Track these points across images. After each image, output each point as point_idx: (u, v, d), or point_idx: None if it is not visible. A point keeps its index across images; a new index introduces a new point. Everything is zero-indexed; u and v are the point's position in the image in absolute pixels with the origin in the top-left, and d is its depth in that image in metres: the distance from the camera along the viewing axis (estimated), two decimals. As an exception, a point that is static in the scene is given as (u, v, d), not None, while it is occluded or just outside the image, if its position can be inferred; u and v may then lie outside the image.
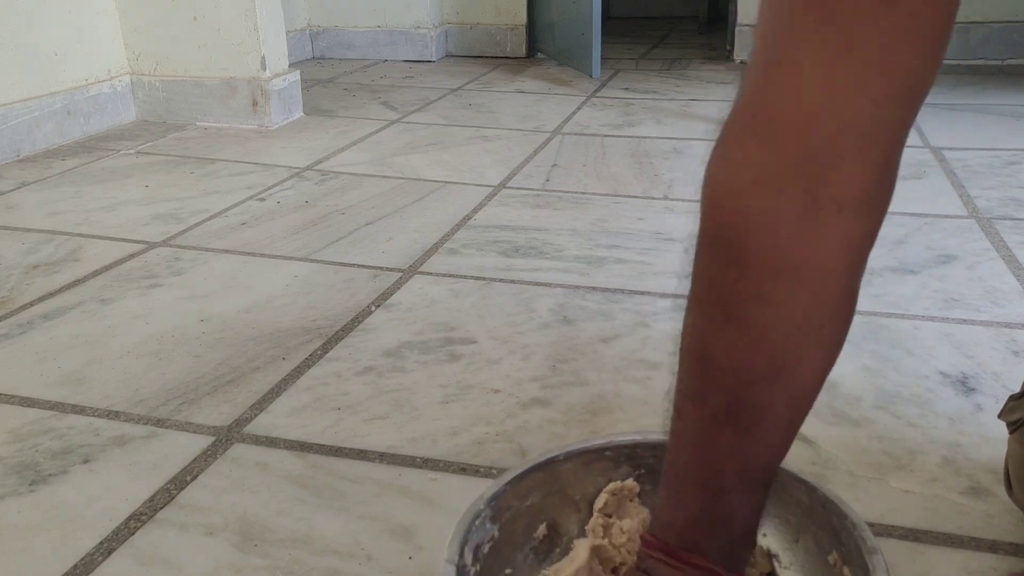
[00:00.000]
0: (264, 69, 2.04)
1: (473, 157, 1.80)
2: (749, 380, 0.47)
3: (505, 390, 0.92)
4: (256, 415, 0.88)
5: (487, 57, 3.04)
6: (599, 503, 0.60)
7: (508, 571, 0.57)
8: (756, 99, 0.45)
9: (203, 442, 0.83)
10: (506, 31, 3.02)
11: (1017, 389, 0.70)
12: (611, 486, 0.60)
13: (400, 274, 1.22)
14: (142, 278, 1.22)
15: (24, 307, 1.13)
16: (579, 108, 2.24)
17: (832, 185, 0.43)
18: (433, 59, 2.98)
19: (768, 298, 0.45)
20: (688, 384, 0.50)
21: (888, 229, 1.32)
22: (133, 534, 0.71)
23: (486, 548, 0.55)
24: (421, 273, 1.22)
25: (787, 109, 0.43)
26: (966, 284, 1.15)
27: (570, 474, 0.61)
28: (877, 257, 1.24)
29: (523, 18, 2.99)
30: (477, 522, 0.55)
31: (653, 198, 1.53)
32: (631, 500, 0.60)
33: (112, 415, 0.88)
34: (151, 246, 1.34)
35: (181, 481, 0.77)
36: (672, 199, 1.52)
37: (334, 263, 1.26)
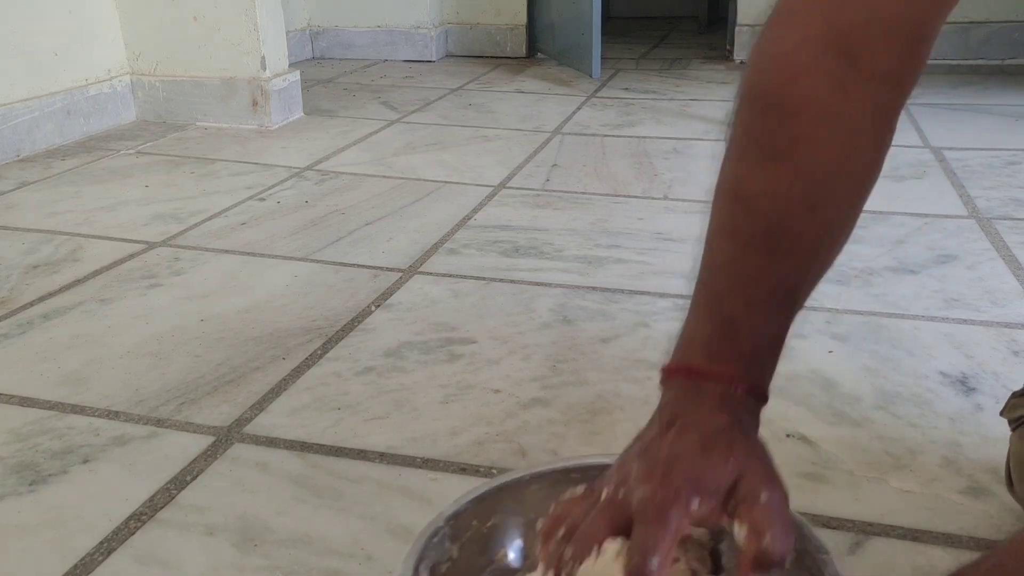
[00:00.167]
0: (264, 69, 2.04)
1: (473, 157, 1.80)
2: (785, 210, 0.51)
3: (505, 390, 0.92)
4: (256, 415, 0.88)
5: (487, 57, 3.04)
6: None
7: None
8: None
9: (203, 442, 0.83)
10: (506, 31, 3.02)
11: (1018, 387, 0.70)
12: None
13: (400, 274, 1.22)
14: (142, 278, 1.22)
15: (24, 307, 1.13)
16: (579, 108, 2.24)
17: (861, 58, 0.49)
18: (433, 59, 2.98)
19: (806, 139, 0.50)
20: (721, 222, 0.53)
21: (888, 229, 1.33)
22: (133, 534, 0.71)
23: (443, 568, 0.54)
24: (421, 273, 1.22)
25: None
26: (966, 284, 1.15)
27: (534, 496, 0.58)
28: (877, 257, 1.24)
29: (523, 18, 2.99)
30: (435, 540, 0.53)
31: (653, 198, 1.53)
32: None
33: (112, 415, 0.88)
34: (151, 246, 1.34)
35: (181, 481, 0.77)
36: (672, 199, 1.52)
37: (334, 263, 1.26)
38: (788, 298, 0.52)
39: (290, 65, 2.18)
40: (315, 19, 3.09)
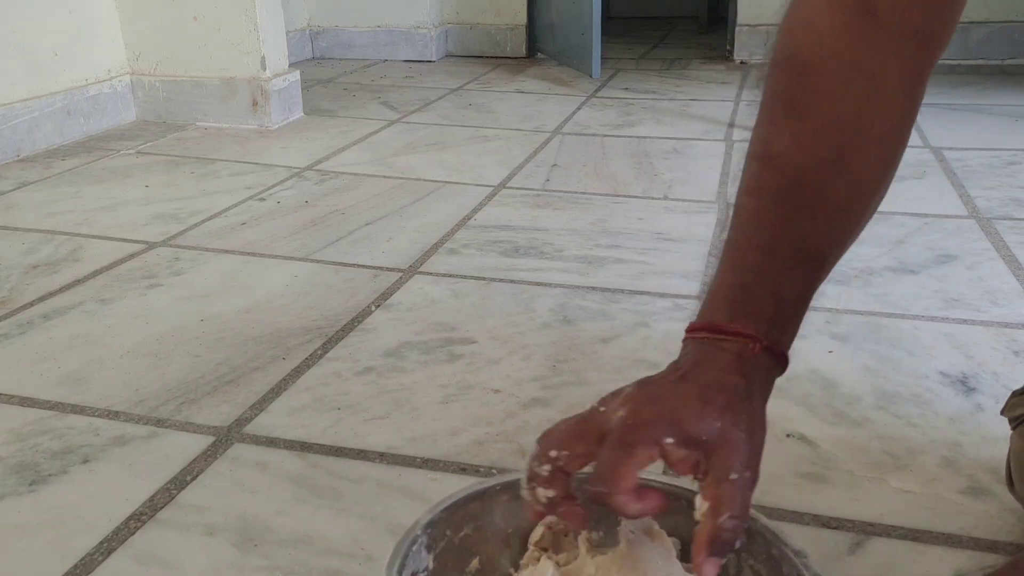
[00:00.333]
0: (264, 69, 2.04)
1: (473, 157, 1.80)
2: (809, 166, 0.51)
3: (505, 390, 0.92)
4: (256, 415, 0.88)
5: (487, 57, 3.04)
6: (535, 536, 0.58)
7: None
8: None
9: (203, 442, 0.83)
10: (506, 31, 3.02)
11: (1018, 386, 0.70)
12: (548, 520, 0.58)
13: (400, 274, 1.22)
14: (142, 278, 1.22)
15: (24, 307, 1.13)
16: (579, 108, 2.24)
17: (891, 16, 0.50)
18: (433, 59, 2.98)
19: (828, 93, 0.50)
20: (748, 182, 0.53)
21: (888, 229, 1.33)
22: (133, 534, 0.71)
23: None
24: (421, 273, 1.22)
25: None
26: (966, 284, 1.15)
27: (505, 505, 0.58)
28: (877, 257, 1.24)
29: (523, 18, 2.99)
30: (414, 548, 0.53)
31: (653, 198, 1.53)
32: (566, 535, 0.58)
33: (112, 415, 0.88)
34: (151, 246, 1.34)
35: (181, 481, 0.77)
36: (672, 199, 1.52)
37: (334, 263, 1.26)
38: (813, 256, 0.51)
39: (290, 65, 2.18)
40: (315, 19, 3.09)
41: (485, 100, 2.36)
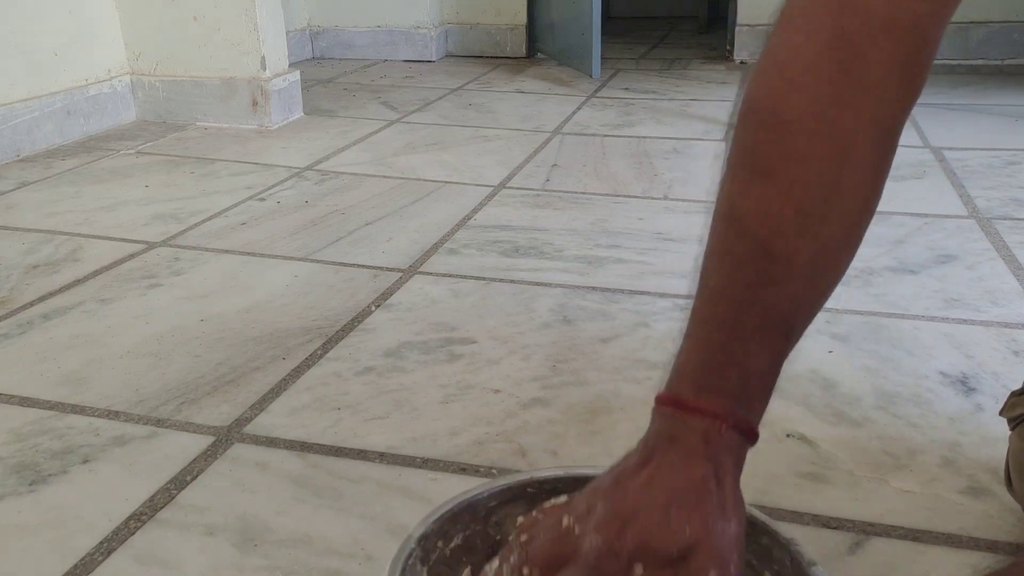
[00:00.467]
0: (264, 69, 2.04)
1: (473, 157, 1.80)
2: (776, 231, 0.49)
3: (505, 390, 0.92)
4: (256, 415, 0.88)
5: (487, 57, 3.04)
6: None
7: None
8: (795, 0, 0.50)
9: (203, 442, 0.83)
10: (506, 31, 3.02)
11: (1017, 387, 0.70)
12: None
13: (400, 274, 1.22)
14: (142, 278, 1.22)
15: (24, 307, 1.13)
16: (579, 108, 2.24)
17: (865, 65, 0.47)
18: (433, 59, 2.98)
19: (799, 154, 0.48)
20: (715, 244, 0.52)
21: (888, 229, 1.33)
22: (133, 534, 0.71)
23: None
24: (421, 273, 1.22)
25: (818, 3, 0.48)
26: (966, 284, 1.15)
27: (495, 514, 0.59)
28: (877, 257, 1.24)
29: (523, 18, 2.99)
30: (410, 561, 0.54)
31: (653, 198, 1.53)
32: None
33: (112, 415, 0.88)
34: (151, 246, 1.34)
35: (181, 481, 0.77)
36: (672, 199, 1.52)
37: (334, 263, 1.26)
38: (780, 326, 0.50)
39: (290, 65, 2.18)
40: (315, 19, 3.09)
41: (485, 100, 2.36)
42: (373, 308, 1.11)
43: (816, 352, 0.98)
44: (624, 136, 1.96)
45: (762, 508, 0.66)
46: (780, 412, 0.86)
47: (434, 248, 1.31)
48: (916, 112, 2.23)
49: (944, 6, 0.49)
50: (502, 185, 1.61)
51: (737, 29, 2.86)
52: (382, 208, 1.49)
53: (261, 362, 0.98)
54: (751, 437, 0.50)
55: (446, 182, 1.64)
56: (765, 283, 0.49)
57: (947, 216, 1.41)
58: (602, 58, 2.61)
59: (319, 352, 1.00)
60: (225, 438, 0.84)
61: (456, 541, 0.58)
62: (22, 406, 0.90)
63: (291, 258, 1.28)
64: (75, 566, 0.67)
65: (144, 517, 0.73)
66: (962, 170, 1.64)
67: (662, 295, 1.14)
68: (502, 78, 2.67)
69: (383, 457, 0.81)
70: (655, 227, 1.39)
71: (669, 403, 0.50)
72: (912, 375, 0.93)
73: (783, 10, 0.51)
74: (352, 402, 0.90)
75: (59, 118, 1.91)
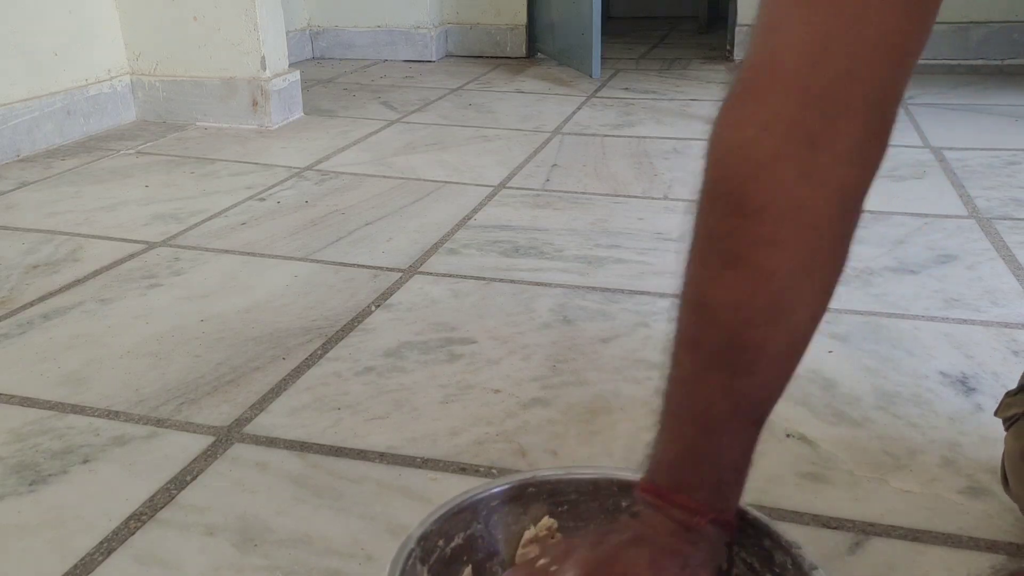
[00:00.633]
0: (264, 69, 2.04)
1: (473, 157, 1.80)
2: (747, 321, 0.48)
3: (505, 390, 0.92)
4: (256, 415, 0.88)
5: (487, 57, 3.04)
6: (526, 537, 0.59)
7: None
8: (756, 60, 0.48)
9: (203, 442, 0.83)
10: (506, 31, 3.02)
11: (1012, 388, 0.70)
12: (527, 535, 0.59)
13: (400, 274, 1.22)
14: (142, 278, 1.22)
15: (24, 307, 1.13)
16: (579, 108, 2.24)
17: (828, 135, 0.46)
18: (433, 59, 2.98)
19: (769, 242, 0.47)
20: (684, 331, 0.51)
21: (888, 229, 1.33)
22: (133, 534, 0.71)
23: None
24: (421, 273, 1.22)
25: (783, 68, 0.46)
26: (966, 284, 1.15)
27: (495, 513, 0.60)
28: (877, 257, 1.24)
29: (523, 18, 2.99)
30: (410, 562, 0.54)
31: (653, 198, 1.53)
32: (552, 538, 0.59)
33: (112, 415, 0.88)
34: (151, 246, 1.34)
35: (181, 481, 0.77)
36: (672, 199, 1.52)
37: (334, 263, 1.26)
38: (752, 416, 0.51)
39: (290, 65, 2.18)
40: (315, 19, 3.09)
41: (485, 100, 2.36)
42: (373, 308, 1.11)
43: (816, 352, 0.98)
44: (624, 136, 1.96)
45: (762, 508, 0.66)
46: (780, 412, 0.85)
47: (434, 248, 1.31)
48: (916, 112, 2.24)
49: (903, 71, 0.47)
50: (502, 185, 1.61)
51: (737, 29, 2.86)
52: (382, 208, 1.49)
53: (261, 362, 0.98)
54: (727, 528, 0.52)
55: (446, 182, 1.64)
56: (736, 374, 0.49)
57: (947, 216, 1.41)
58: (602, 58, 2.61)
59: (319, 352, 1.00)
60: (225, 438, 0.84)
61: (457, 540, 0.58)
62: (22, 406, 0.90)
63: (291, 258, 1.28)
64: (75, 566, 0.67)
65: (144, 517, 0.73)
66: (962, 170, 1.64)
67: (662, 295, 1.14)
68: (502, 78, 2.67)
69: (383, 457, 0.81)
70: (655, 227, 1.39)
71: (650, 491, 0.52)
72: (912, 375, 0.93)
73: (741, 73, 0.48)
74: (352, 402, 0.90)
75: (59, 118, 1.91)
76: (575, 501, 0.60)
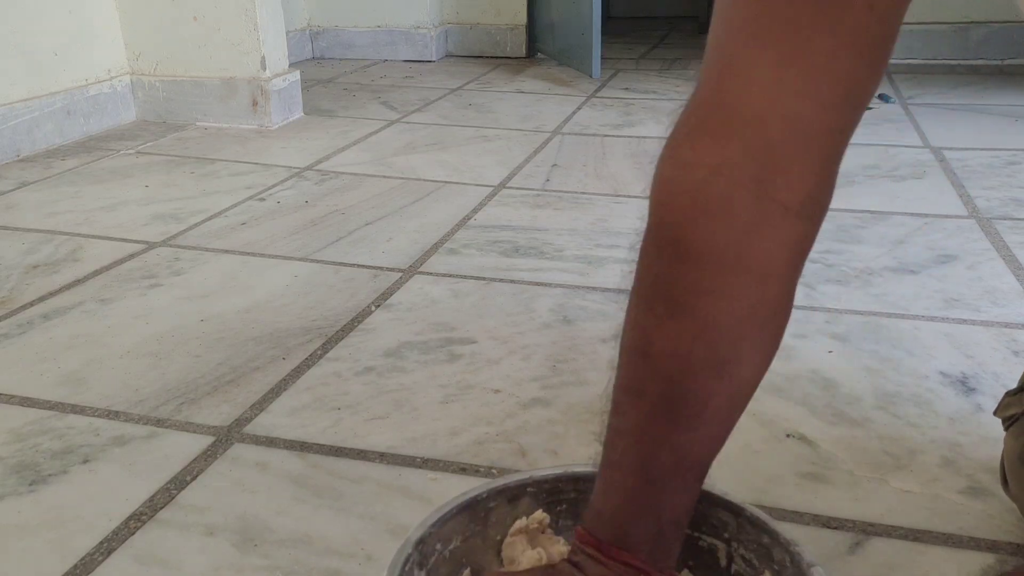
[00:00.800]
0: (264, 69, 2.04)
1: (473, 157, 1.80)
2: (690, 372, 0.47)
3: (505, 390, 0.92)
4: (256, 415, 0.88)
5: (487, 57, 3.04)
6: (515, 528, 0.59)
7: None
8: (709, 99, 0.46)
9: (203, 442, 0.83)
10: (506, 31, 3.02)
11: (1011, 387, 0.70)
12: (517, 524, 0.59)
13: (400, 274, 1.22)
14: (142, 278, 1.22)
15: (24, 307, 1.13)
16: (579, 108, 2.24)
17: (778, 187, 0.44)
18: (433, 59, 2.98)
19: (714, 291, 0.46)
20: (627, 379, 0.50)
21: (888, 229, 1.33)
22: (133, 534, 0.71)
23: None
24: (421, 273, 1.22)
25: (738, 109, 0.44)
26: (966, 284, 1.15)
27: (493, 514, 0.59)
28: (877, 257, 1.24)
29: (523, 18, 2.99)
30: (408, 567, 0.54)
31: (653, 198, 1.53)
32: (543, 532, 0.59)
33: (112, 415, 0.88)
34: (151, 246, 1.34)
35: (181, 481, 0.77)
36: (672, 199, 1.52)
37: (334, 263, 1.26)
38: (692, 468, 0.50)
39: (290, 65, 2.18)
40: (315, 19, 3.09)
41: (485, 100, 2.36)
42: (373, 308, 1.11)
43: (816, 352, 0.98)
44: (624, 136, 1.96)
45: (762, 508, 0.66)
46: (780, 412, 0.86)
47: (434, 248, 1.31)
48: (916, 112, 2.24)
49: (855, 118, 0.46)
50: (502, 185, 1.61)
51: (737, 29, 2.86)
52: (382, 208, 1.49)
53: (261, 362, 0.98)
54: None
55: (446, 182, 1.64)
56: (679, 428, 0.48)
57: (947, 216, 1.41)
58: (602, 58, 2.61)
59: (319, 352, 1.00)
60: (225, 438, 0.84)
61: (455, 542, 0.58)
62: (22, 406, 0.90)
63: (291, 258, 1.28)
64: (75, 566, 0.67)
65: (144, 517, 0.73)
66: (962, 170, 1.64)
67: (662, 295, 1.13)
68: (502, 78, 2.67)
69: (383, 457, 0.81)
70: (655, 227, 1.38)
71: (591, 545, 0.51)
72: (912, 375, 0.93)
73: (691, 111, 0.47)
74: (352, 402, 0.90)
75: (59, 118, 1.91)
76: (574, 500, 0.60)
